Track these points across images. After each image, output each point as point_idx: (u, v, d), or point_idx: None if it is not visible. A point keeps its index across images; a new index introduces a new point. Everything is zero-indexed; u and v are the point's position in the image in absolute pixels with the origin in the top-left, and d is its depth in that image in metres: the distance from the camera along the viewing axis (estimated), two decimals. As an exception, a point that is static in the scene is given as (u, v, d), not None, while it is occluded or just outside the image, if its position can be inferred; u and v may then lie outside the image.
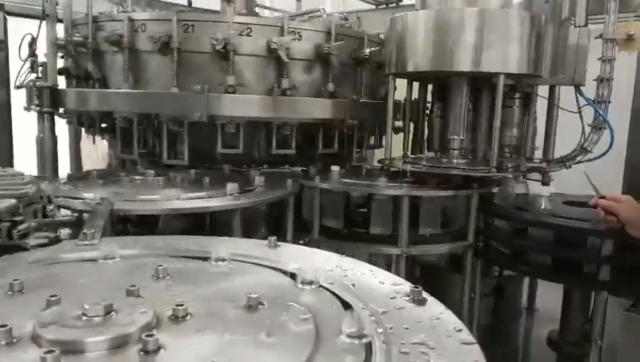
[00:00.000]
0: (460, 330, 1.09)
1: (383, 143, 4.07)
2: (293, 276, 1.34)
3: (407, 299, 1.24)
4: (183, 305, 1.09)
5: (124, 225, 2.38)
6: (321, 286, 1.29)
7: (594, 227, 2.57)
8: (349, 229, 3.16)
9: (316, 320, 1.10)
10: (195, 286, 1.28)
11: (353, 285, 1.32)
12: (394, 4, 5.91)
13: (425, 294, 1.25)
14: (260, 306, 1.15)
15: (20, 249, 1.65)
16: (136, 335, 0.97)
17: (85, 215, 2.01)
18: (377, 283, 1.36)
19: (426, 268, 3.63)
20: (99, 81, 3.44)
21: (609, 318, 2.66)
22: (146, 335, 0.93)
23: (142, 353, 0.92)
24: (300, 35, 3.25)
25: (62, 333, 0.95)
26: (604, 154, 3.01)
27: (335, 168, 3.23)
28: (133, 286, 1.15)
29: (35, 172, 3.71)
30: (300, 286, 1.28)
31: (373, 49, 3.54)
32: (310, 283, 1.28)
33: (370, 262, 3.01)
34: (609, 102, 3.05)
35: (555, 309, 3.28)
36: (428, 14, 3.01)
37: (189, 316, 1.08)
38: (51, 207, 1.85)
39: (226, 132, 3.18)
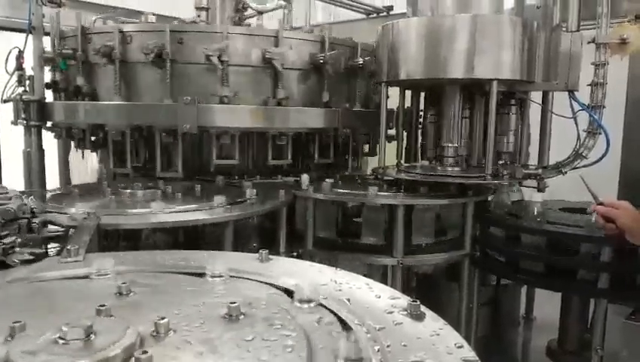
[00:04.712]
0: (461, 346, 1.04)
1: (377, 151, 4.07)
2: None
3: (405, 313, 1.18)
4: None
5: (113, 239, 2.31)
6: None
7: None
8: (344, 240, 3.10)
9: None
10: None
11: (348, 300, 1.26)
12: (385, 14, 5.91)
13: (423, 308, 1.20)
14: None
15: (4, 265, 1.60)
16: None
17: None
18: (373, 297, 1.30)
19: (423, 277, 3.59)
20: (87, 93, 3.40)
21: (609, 327, 2.61)
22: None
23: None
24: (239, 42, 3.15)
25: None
26: (600, 159, 2.99)
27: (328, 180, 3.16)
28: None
29: (22, 187, 3.64)
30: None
31: (331, 53, 3.36)
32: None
33: (365, 272, 3.02)
34: (603, 106, 3.03)
35: (553, 318, 3.23)
36: (420, 21, 2.99)
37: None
38: (37, 220, 1.78)
39: (220, 143, 3.17)
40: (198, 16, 3.68)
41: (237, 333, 1.08)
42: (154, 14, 3.51)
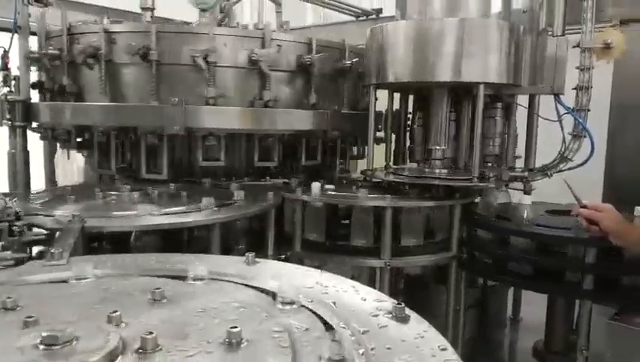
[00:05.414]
0: (445, 349, 1.05)
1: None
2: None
3: (390, 316, 1.19)
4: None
5: (98, 243, 2.29)
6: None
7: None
8: (332, 242, 3.09)
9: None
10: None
11: (334, 303, 1.26)
12: (374, 16, 5.93)
13: (408, 311, 1.20)
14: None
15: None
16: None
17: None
18: (359, 299, 1.31)
19: (410, 279, 3.60)
20: (74, 94, 3.38)
21: (594, 327, 2.64)
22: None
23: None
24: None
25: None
26: (585, 162, 3.02)
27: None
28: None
29: (6, 188, 3.60)
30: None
31: (265, 50, 3.19)
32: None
33: (353, 274, 3.02)
34: (588, 110, 3.06)
35: (539, 319, 3.26)
36: (408, 25, 3.00)
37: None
38: (19, 223, 1.76)
39: (206, 145, 3.15)
40: (143, 16, 3.64)
41: (185, 308, 1.15)
42: (109, 17, 3.42)
